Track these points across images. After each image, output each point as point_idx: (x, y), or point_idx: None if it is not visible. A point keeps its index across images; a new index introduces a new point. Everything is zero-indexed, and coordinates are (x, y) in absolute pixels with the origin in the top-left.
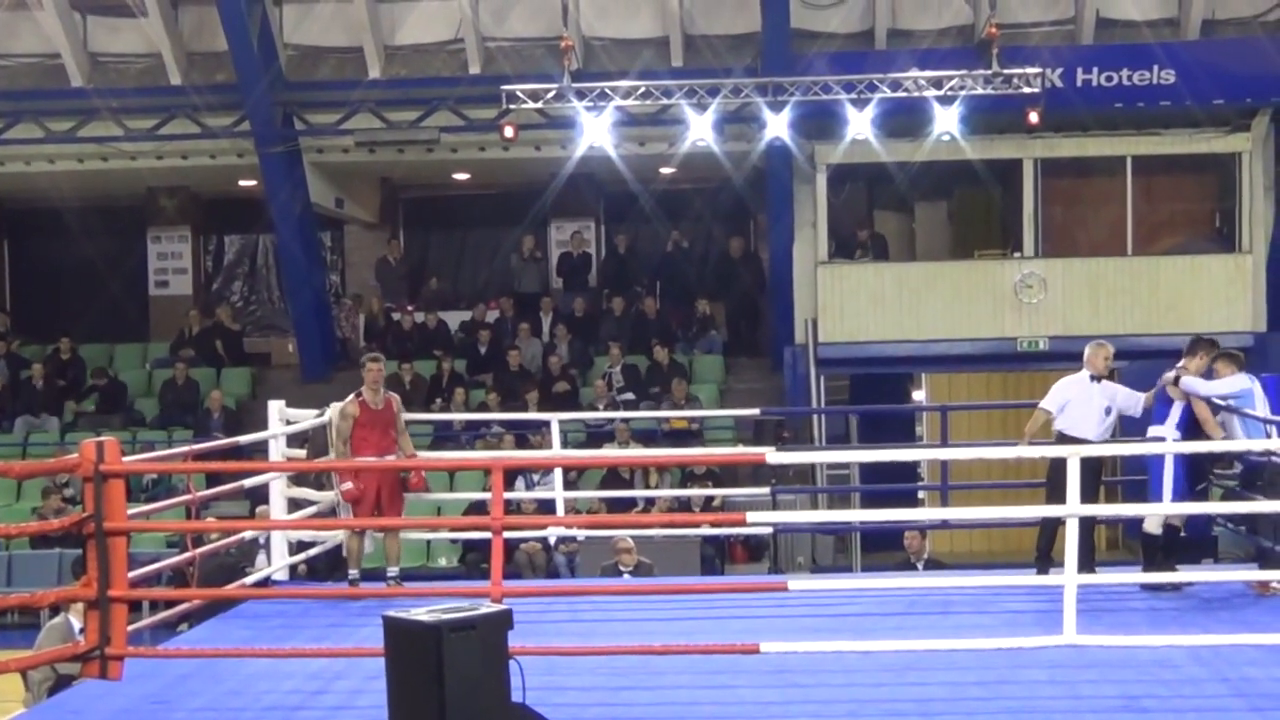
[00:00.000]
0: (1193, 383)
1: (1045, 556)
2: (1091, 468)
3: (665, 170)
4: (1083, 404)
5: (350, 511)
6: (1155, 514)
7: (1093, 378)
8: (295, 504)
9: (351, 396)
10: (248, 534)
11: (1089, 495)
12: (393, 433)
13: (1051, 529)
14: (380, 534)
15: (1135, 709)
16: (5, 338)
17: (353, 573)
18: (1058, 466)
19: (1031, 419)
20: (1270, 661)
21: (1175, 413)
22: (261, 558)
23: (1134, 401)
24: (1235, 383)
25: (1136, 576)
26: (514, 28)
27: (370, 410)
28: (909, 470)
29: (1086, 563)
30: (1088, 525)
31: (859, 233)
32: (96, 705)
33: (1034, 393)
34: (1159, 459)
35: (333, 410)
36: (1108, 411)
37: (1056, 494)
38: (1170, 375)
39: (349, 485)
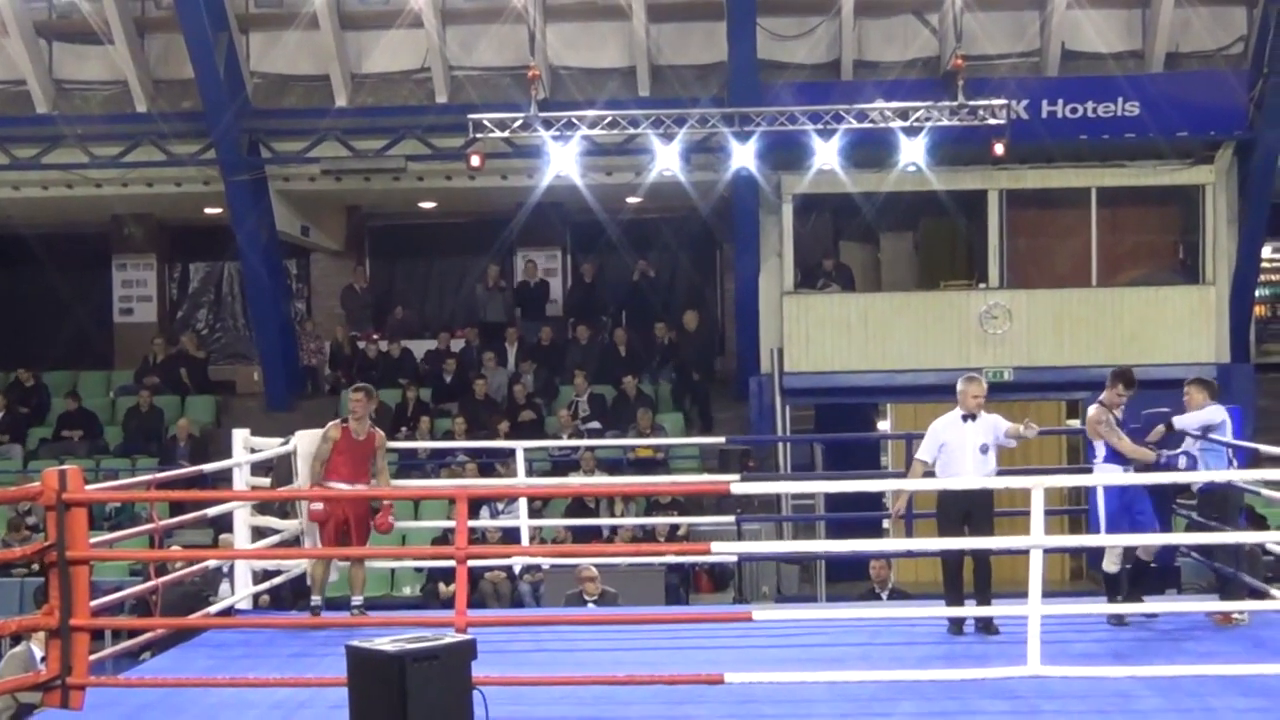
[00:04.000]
0: (1183, 420)
1: (955, 589)
2: (956, 503)
3: (632, 200)
4: (956, 446)
5: (317, 535)
6: (1111, 552)
7: (964, 416)
8: (259, 533)
9: (337, 421)
10: (211, 563)
11: (949, 529)
12: (369, 465)
13: (956, 561)
14: (345, 562)
15: None
16: None
17: (315, 600)
18: (941, 502)
19: (910, 470)
20: (1231, 692)
21: (1101, 448)
22: (225, 586)
23: (1000, 432)
24: (1216, 412)
25: (1098, 608)
26: (481, 57)
27: (351, 439)
28: (874, 499)
29: (955, 597)
30: (955, 559)
31: (824, 261)
32: None
33: None
34: (1094, 495)
35: (298, 438)
36: (984, 450)
37: (944, 529)
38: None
39: (318, 506)
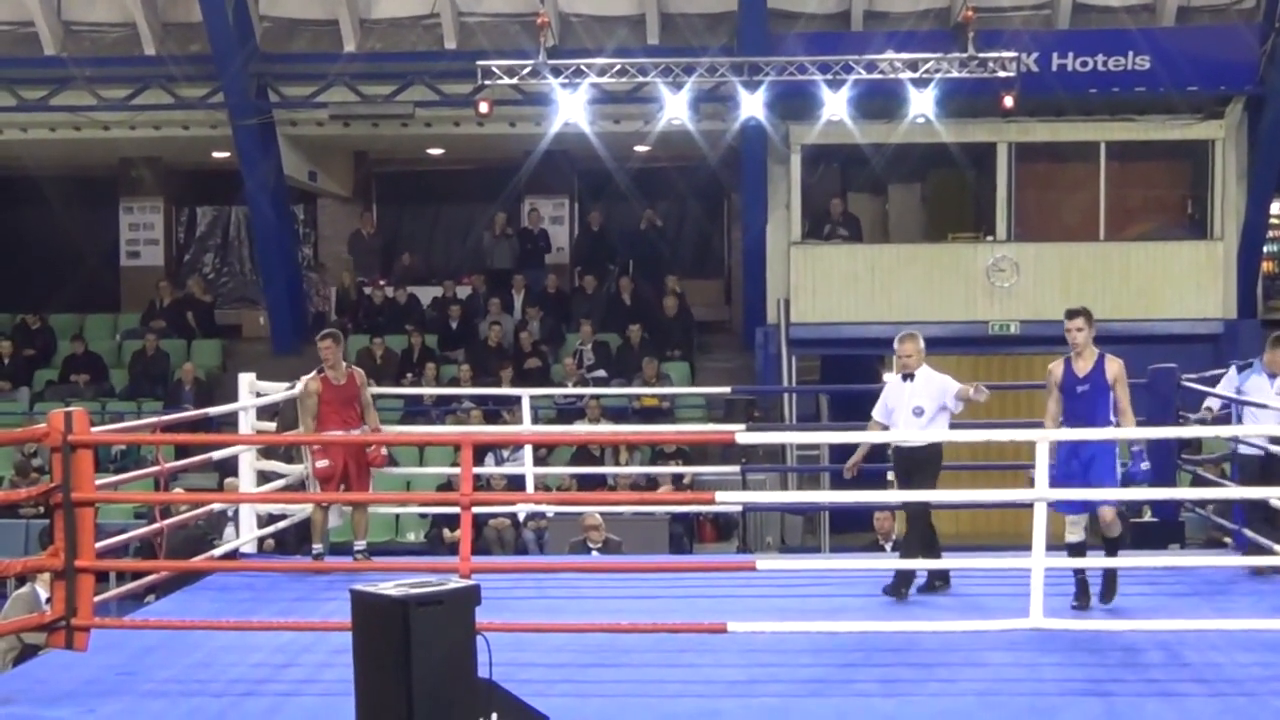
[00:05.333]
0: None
1: (914, 545)
2: (898, 461)
3: (640, 148)
4: (894, 407)
5: (318, 486)
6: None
7: (903, 376)
8: (264, 477)
9: (314, 373)
10: (216, 506)
11: (917, 483)
12: (357, 407)
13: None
14: (348, 508)
15: (1098, 693)
16: None
17: (317, 547)
18: (898, 457)
19: (869, 428)
20: (1233, 647)
21: None
22: (229, 530)
23: (949, 394)
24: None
25: (1101, 562)
26: (490, 3)
27: (333, 386)
28: (879, 451)
29: (930, 547)
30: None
31: (831, 203)
32: (62, 676)
33: (1004, 376)
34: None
35: (303, 383)
36: (917, 412)
37: (904, 482)
38: None
39: (325, 463)
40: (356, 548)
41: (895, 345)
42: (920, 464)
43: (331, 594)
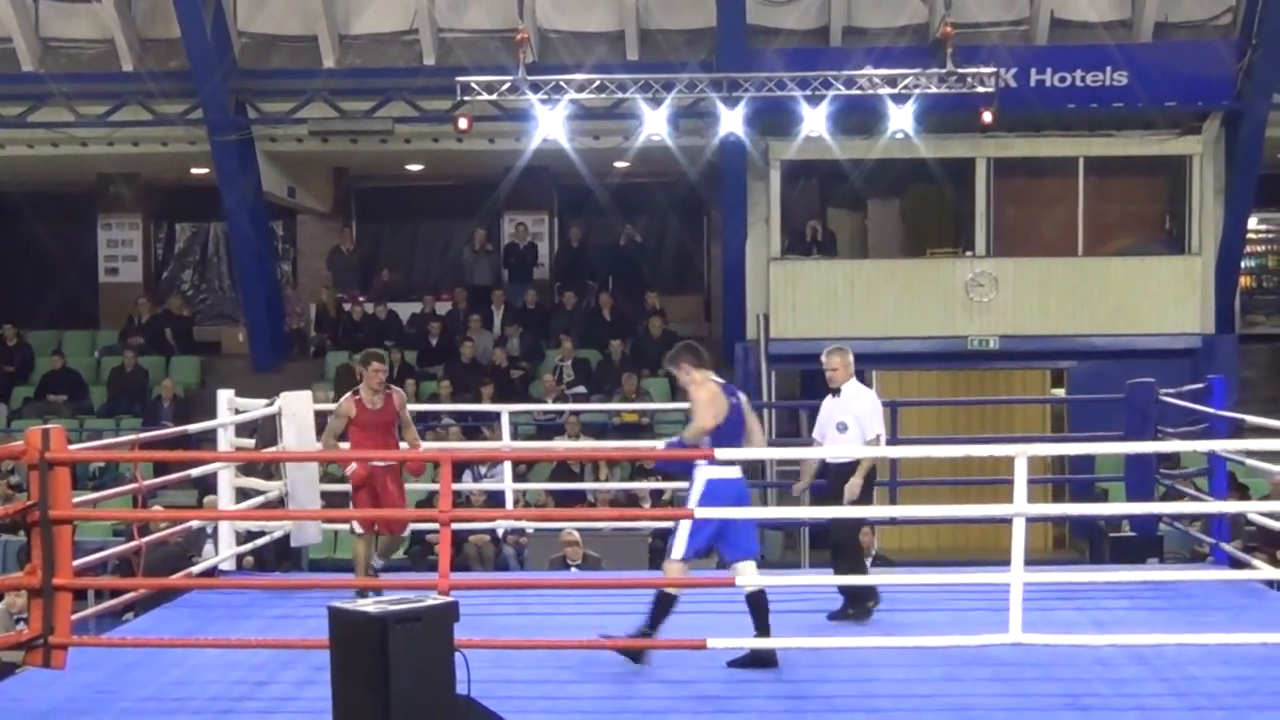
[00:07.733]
0: None
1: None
2: (837, 477)
3: (620, 164)
4: (824, 421)
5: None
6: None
7: (831, 391)
8: (243, 494)
9: (348, 395)
10: (195, 523)
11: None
12: (395, 431)
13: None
14: (326, 524)
15: (1077, 707)
16: None
17: (377, 562)
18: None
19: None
20: (1211, 661)
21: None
22: (208, 547)
23: (868, 425)
24: None
25: (1081, 575)
26: (470, 19)
27: (367, 410)
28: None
29: (858, 564)
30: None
31: (809, 223)
32: (39, 694)
33: (984, 391)
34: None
35: (283, 400)
36: (841, 428)
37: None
38: None
39: (353, 467)
40: (374, 565)
41: (824, 360)
42: (845, 480)
43: (310, 611)
